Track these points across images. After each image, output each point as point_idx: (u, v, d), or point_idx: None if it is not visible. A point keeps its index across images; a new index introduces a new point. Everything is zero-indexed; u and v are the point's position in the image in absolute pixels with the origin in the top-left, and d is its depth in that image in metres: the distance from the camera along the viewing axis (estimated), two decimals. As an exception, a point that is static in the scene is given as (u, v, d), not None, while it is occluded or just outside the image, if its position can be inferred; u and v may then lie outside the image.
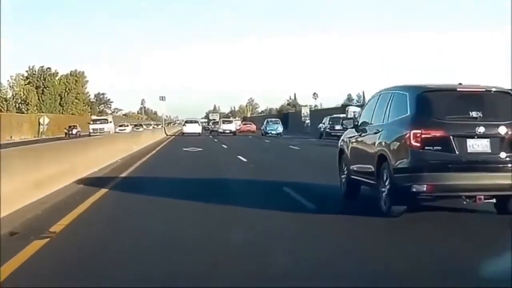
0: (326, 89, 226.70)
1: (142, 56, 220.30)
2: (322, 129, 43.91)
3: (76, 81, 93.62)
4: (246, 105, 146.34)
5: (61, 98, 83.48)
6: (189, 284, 4.74)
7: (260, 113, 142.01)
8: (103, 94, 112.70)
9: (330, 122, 41.97)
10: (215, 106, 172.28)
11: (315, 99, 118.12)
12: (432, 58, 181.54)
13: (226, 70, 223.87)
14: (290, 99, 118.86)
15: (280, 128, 53.03)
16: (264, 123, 56.13)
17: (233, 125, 57.11)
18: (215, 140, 40.39)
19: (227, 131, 53.72)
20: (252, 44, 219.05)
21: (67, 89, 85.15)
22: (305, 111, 62.21)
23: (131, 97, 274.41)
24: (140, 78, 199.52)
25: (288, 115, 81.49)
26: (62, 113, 79.64)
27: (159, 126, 73.95)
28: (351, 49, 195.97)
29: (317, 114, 58.73)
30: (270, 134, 51.27)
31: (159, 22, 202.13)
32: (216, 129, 58.83)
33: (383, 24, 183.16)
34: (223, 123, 58.21)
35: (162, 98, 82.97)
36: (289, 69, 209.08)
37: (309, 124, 46.71)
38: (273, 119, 58.58)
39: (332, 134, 41.70)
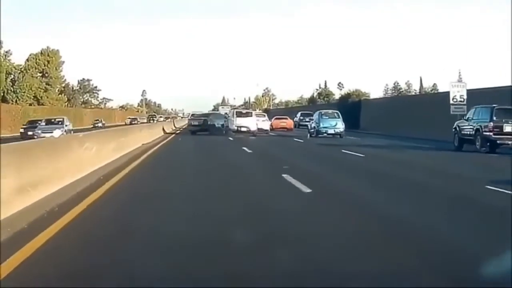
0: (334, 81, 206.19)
1: (143, 44, 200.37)
2: (478, 132, 20.68)
3: (48, 61, 71.69)
4: (263, 96, 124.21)
5: (13, 82, 60.06)
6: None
7: (278, 104, 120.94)
8: (88, 80, 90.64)
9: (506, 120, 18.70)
10: (223, 98, 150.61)
11: (340, 89, 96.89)
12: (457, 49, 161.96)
13: (234, 60, 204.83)
14: (320, 87, 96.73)
15: (340, 125, 35.05)
16: (315, 117, 36.42)
17: (253, 121, 38.70)
18: (255, 153, 18.30)
19: (243, 129, 37.26)
20: (260, 33, 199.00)
21: (22, 70, 61.85)
22: (458, 92, 29.23)
23: (131, 88, 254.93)
24: (141, 67, 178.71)
25: (360, 105, 53.73)
26: (16, 102, 56.59)
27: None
28: (370, 37, 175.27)
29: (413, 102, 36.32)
30: (325, 135, 33.77)
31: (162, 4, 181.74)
32: (232, 126, 38.66)
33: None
34: (238, 116, 38.94)
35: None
36: (293, 60, 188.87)
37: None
38: (329, 111, 37.33)
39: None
